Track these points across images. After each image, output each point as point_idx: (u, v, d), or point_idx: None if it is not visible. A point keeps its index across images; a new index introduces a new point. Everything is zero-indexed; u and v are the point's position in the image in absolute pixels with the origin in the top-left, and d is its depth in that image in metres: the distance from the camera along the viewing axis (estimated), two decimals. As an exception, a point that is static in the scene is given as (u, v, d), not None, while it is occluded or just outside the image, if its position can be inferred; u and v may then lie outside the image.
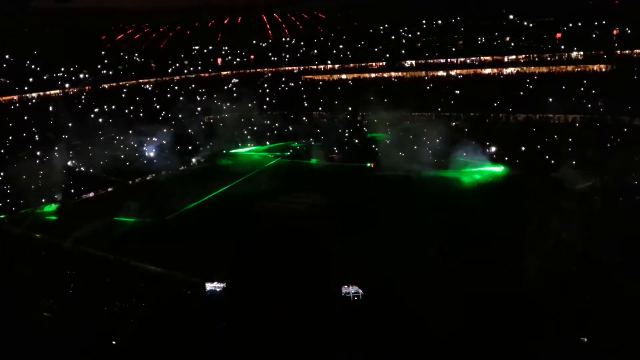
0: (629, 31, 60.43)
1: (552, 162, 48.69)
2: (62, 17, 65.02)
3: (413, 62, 72.66)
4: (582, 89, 57.72)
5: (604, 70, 60.42)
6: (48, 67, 70.64)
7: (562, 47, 63.64)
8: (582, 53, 62.10)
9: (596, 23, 63.22)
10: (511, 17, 68.75)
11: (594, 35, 62.53)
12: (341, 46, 79.65)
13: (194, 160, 63.13)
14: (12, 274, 29.16)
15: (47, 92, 69.41)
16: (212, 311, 24.93)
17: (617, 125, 52.32)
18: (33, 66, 69.88)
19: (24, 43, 71.81)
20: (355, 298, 24.73)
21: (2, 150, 54.59)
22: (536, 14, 66.26)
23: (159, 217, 43.79)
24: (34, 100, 67.49)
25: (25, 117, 62.01)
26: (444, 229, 36.46)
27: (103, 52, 79.80)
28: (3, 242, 40.18)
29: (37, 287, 26.85)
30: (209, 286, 26.61)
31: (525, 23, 67.93)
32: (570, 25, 64.24)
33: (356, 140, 62.59)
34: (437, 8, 74.77)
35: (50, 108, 63.44)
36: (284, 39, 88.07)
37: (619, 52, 60.15)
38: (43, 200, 49.06)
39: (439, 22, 74.18)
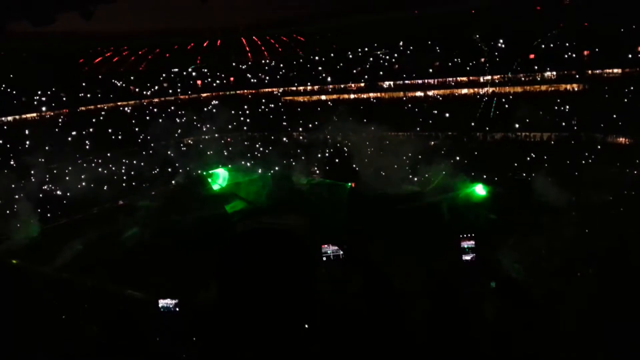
0: (599, 51, 62.21)
1: (530, 178, 49.68)
2: (40, 40, 64.28)
3: (391, 83, 73.67)
4: (556, 107, 59.13)
5: (576, 89, 61.97)
6: (25, 90, 69.70)
7: (536, 67, 65.22)
8: (555, 73, 63.70)
9: (567, 44, 64.96)
10: (486, 39, 70.30)
11: (566, 56, 64.22)
12: (320, 68, 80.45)
13: (172, 181, 62.67)
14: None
15: (24, 116, 68.52)
16: (165, 328, 23.63)
17: (590, 142, 53.67)
18: (9, 90, 68.92)
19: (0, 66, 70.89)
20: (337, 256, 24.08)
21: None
22: (509, 35, 67.91)
23: (137, 239, 43.24)
24: (9, 124, 66.50)
25: (1, 141, 61.00)
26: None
27: (81, 75, 79.25)
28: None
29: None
30: (161, 302, 25.08)
31: (500, 44, 69.54)
32: (543, 46, 65.98)
33: (336, 160, 62.85)
34: (414, 30, 76.17)
35: (27, 132, 62.53)
36: (263, 61, 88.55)
37: (590, 71, 61.79)
38: (18, 225, 47.97)
39: (416, 44, 75.36)
